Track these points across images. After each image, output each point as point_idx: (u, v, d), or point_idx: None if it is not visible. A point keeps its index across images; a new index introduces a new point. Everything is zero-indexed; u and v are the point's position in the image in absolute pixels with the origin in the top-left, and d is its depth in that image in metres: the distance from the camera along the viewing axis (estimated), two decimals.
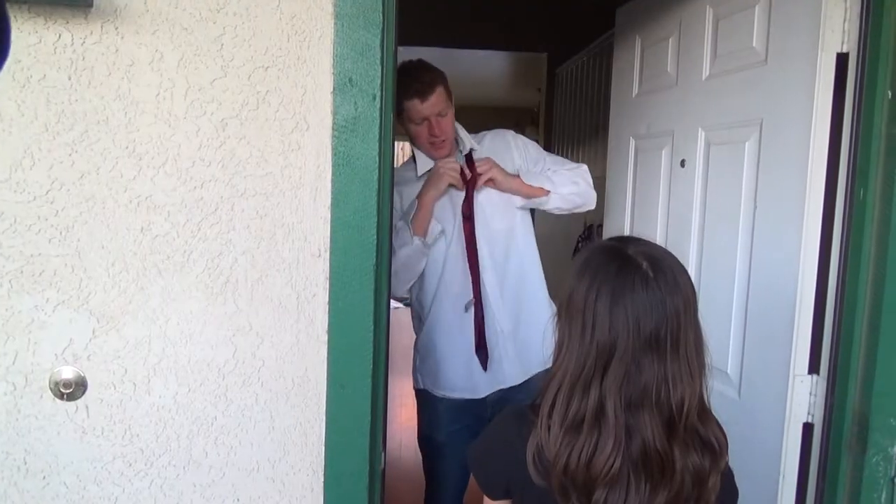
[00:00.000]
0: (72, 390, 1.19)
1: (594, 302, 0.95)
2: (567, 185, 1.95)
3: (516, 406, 1.11)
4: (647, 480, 0.93)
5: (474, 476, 1.11)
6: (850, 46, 1.40)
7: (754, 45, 1.61)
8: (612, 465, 0.91)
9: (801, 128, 1.45)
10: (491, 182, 1.87)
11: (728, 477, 1.07)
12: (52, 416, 1.21)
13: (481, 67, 4.71)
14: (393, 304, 1.51)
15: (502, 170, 1.89)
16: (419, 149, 1.95)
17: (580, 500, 0.93)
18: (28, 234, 1.17)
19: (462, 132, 1.98)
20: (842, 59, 1.41)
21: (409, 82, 1.80)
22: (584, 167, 2.03)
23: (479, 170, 1.86)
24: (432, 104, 1.83)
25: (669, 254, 1.00)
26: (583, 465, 0.92)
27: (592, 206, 2.03)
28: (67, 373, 1.19)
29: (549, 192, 1.92)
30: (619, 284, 0.94)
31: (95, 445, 1.22)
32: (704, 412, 0.98)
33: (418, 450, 2.07)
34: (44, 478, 1.22)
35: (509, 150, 2.00)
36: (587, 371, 0.94)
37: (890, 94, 1.31)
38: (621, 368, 0.92)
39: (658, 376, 0.92)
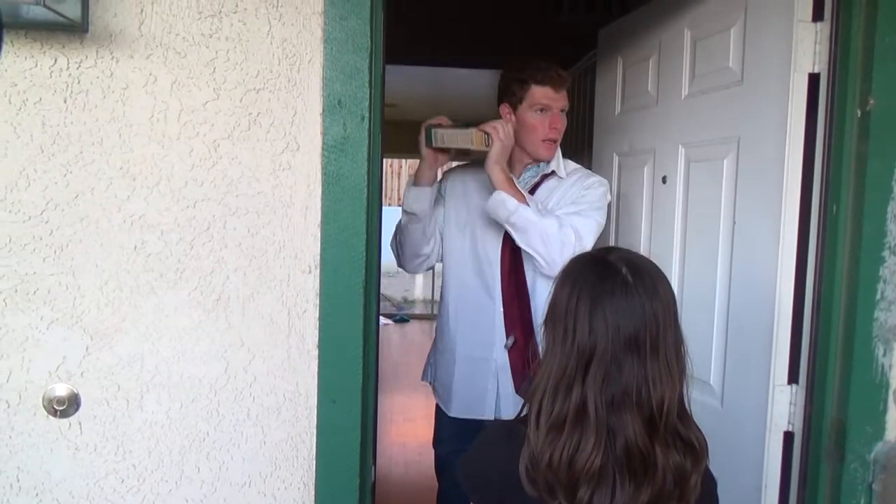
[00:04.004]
0: (65, 407, 1.21)
1: (575, 307, 0.98)
2: (545, 226, 1.69)
3: (502, 422, 1.12)
4: (631, 479, 0.95)
5: (468, 496, 1.11)
6: (822, 67, 1.45)
7: (730, 65, 1.67)
8: (592, 463, 0.94)
9: (776, 145, 1.50)
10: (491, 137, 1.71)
11: (711, 484, 1.10)
12: (45, 434, 1.22)
13: (467, 85, 4.77)
14: (382, 320, 1.53)
15: (504, 149, 1.72)
16: (524, 145, 1.83)
17: (566, 499, 0.96)
18: (23, 253, 1.19)
19: (557, 151, 1.91)
20: (813, 80, 1.46)
21: (545, 69, 1.79)
22: (579, 230, 1.71)
23: (489, 126, 1.73)
24: (564, 97, 1.82)
25: (650, 261, 1.04)
26: (565, 462, 0.95)
27: (548, 270, 1.70)
28: (61, 390, 1.21)
29: (519, 206, 1.67)
30: (599, 290, 0.98)
31: (88, 462, 1.24)
32: (685, 414, 1.01)
33: (407, 466, 2.07)
34: (36, 495, 1.23)
35: (569, 187, 1.87)
36: (569, 372, 0.97)
37: (859, 112, 1.36)
38: (601, 369, 0.96)
39: (638, 377, 0.95)
